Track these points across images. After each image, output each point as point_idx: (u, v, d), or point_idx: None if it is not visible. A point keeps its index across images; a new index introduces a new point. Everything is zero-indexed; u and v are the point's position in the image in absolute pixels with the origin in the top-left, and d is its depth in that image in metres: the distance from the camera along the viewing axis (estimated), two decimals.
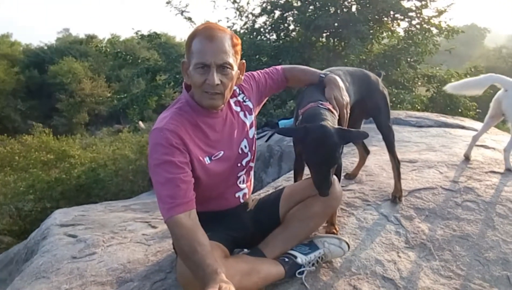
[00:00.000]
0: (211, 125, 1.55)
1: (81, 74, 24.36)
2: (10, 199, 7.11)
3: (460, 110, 7.83)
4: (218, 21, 7.72)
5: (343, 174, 2.34)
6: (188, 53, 1.48)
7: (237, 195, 1.69)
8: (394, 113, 4.33)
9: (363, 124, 2.32)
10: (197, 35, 1.45)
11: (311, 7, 8.04)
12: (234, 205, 1.68)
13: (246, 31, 8.46)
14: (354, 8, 7.99)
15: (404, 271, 1.72)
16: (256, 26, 8.50)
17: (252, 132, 1.70)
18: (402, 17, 7.96)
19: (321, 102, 1.64)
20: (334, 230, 1.88)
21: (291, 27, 8.53)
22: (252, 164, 1.73)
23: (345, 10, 7.99)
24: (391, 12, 7.90)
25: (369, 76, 2.11)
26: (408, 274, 1.71)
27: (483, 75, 2.77)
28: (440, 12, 7.84)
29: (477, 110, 7.88)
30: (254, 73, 1.81)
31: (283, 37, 8.52)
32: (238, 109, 1.67)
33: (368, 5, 7.70)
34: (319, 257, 1.67)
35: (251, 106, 1.72)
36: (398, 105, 7.04)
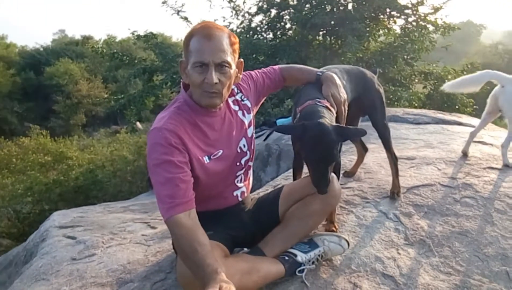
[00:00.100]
0: (209, 124, 1.55)
1: (78, 75, 24.28)
2: (8, 202, 7.08)
3: (457, 107, 7.86)
4: (215, 20, 7.66)
5: (342, 172, 2.35)
6: (186, 52, 1.48)
7: (235, 193, 1.69)
8: (391, 111, 4.34)
9: (360, 121, 2.32)
10: (195, 34, 1.45)
11: (307, 5, 8.05)
12: (233, 204, 1.69)
13: (242, 30, 8.45)
14: (350, 6, 8.00)
15: (404, 268, 1.73)
16: (253, 25, 8.51)
17: (250, 131, 1.70)
18: (398, 15, 7.98)
19: (318, 99, 1.65)
20: (334, 228, 1.88)
21: (288, 25, 8.54)
22: (250, 163, 1.73)
23: (341, 8, 8.00)
24: (387, 10, 7.92)
25: (365, 74, 2.12)
26: (408, 270, 1.72)
27: (479, 72, 2.78)
28: (436, 9, 7.87)
29: (474, 107, 7.91)
30: (252, 72, 1.81)
31: (279, 36, 8.52)
32: (237, 108, 1.67)
33: (364, 3, 7.72)
34: (319, 255, 1.67)
35: (249, 105, 1.72)
36: (396, 103, 7.06)
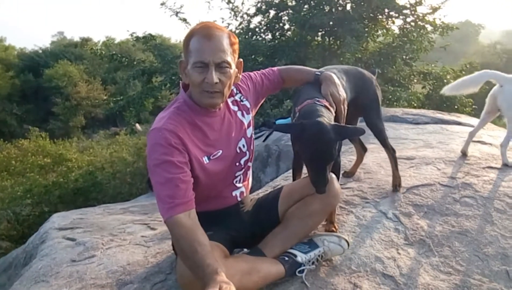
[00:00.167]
0: (209, 124, 1.55)
1: (77, 77, 24.28)
2: (7, 204, 7.06)
3: (456, 107, 7.85)
4: (214, 21, 7.69)
5: (341, 172, 2.35)
6: (186, 52, 1.48)
7: (234, 193, 1.69)
8: (390, 111, 4.34)
9: (359, 121, 2.33)
10: (195, 34, 1.45)
11: (306, 6, 8.05)
12: (232, 204, 1.69)
13: (241, 31, 8.45)
14: (348, 7, 8.01)
15: (404, 268, 1.73)
16: (251, 26, 8.51)
17: (250, 132, 1.70)
18: (396, 15, 7.98)
19: (317, 99, 1.65)
20: (334, 228, 1.88)
21: (286, 26, 8.54)
22: (250, 164, 1.73)
23: (339, 8, 8.00)
24: (386, 10, 7.92)
25: (364, 74, 2.12)
26: (408, 270, 1.72)
27: (477, 72, 2.78)
28: (435, 9, 7.87)
29: (473, 106, 7.91)
30: (251, 73, 1.81)
31: (278, 36, 8.52)
32: (236, 108, 1.67)
33: (362, 3, 7.72)
34: (319, 256, 1.67)
35: (248, 105, 1.72)
36: (395, 103, 7.05)
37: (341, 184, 2.09)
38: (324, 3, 7.83)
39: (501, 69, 2.94)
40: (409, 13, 7.87)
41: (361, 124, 2.25)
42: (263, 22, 8.45)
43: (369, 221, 2.01)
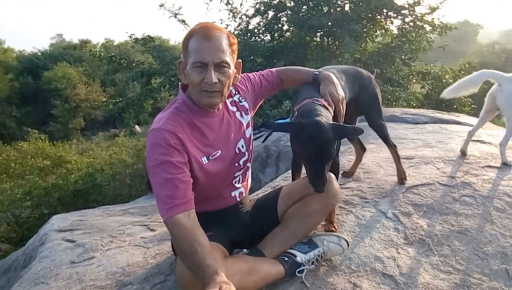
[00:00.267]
0: (208, 125, 1.55)
1: (76, 79, 24.23)
2: (7, 206, 7.05)
3: (455, 106, 7.86)
4: (212, 22, 7.70)
5: (340, 172, 2.35)
6: (185, 53, 1.48)
7: (233, 194, 1.69)
8: (390, 111, 4.34)
9: (358, 121, 2.33)
10: (194, 35, 1.45)
11: (304, 7, 8.06)
12: (231, 204, 1.69)
13: (240, 32, 8.45)
14: (347, 7, 8.01)
15: (403, 267, 1.73)
16: (250, 27, 8.51)
17: (249, 132, 1.70)
18: (395, 15, 7.99)
19: (316, 98, 1.66)
20: (333, 228, 1.88)
21: (285, 27, 8.54)
22: (249, 164, 1.73)
23: (338, 9, 8.01)
24: (384, 10, 7.93)
25: (362, 74, 2.13)
26: (407, 270, 1.72)
27: (476, 73, 2.78)
28: (433, 9, 7.88)
29: (472, 106, 7.92)
30: (250, 74, 1.82)
31: (277, 37, 8.53)
32: (234, 109, 1.67)
33: (361, 4, 7.72)
34: (318, 255, 1.67)
35: (247, 106, 1.72)
36: (394, 103, 7.06)
37: (340, 184, 2.09)
38: (322, 3, 7.84)
39: (499, 68, 2.94)
40: (408, 13, 7.88)
41: (360, 124, 2.25)
42: (261, 23, 8.45)
43: (368, 221, 2.01)
